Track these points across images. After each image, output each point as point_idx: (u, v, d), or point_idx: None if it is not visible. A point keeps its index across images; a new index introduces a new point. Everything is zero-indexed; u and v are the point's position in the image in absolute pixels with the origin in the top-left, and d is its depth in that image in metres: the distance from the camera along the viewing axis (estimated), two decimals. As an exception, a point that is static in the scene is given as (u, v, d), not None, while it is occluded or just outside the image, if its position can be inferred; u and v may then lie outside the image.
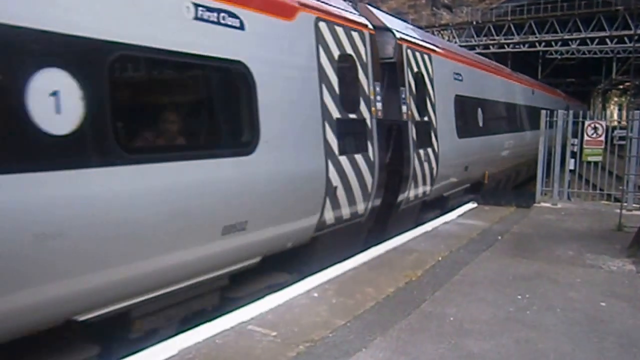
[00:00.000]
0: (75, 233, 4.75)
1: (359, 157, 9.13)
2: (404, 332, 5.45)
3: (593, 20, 43.10)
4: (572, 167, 14.72)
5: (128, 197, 5.24)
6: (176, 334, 5.32)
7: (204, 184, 6.13)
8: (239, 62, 6.70)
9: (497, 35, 46.65)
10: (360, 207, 9.35)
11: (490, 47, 46.74)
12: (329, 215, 8.49)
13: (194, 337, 5.19)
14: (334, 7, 9.15)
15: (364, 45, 9.63)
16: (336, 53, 8.75)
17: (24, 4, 4.49)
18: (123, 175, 5.19)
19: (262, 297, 6.39)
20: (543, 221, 11.58)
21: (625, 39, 42.72)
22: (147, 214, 5.43)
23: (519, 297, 6.61)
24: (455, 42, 41.89)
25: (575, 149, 14.31)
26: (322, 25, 8.48)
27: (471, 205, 13.64)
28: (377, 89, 9.95)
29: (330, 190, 8.39)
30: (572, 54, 48.79)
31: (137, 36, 5.42)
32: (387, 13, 12.67)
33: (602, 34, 43.24)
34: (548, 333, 5.53)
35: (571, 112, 14.81)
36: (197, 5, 6.07)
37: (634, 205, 12.79)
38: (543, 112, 14.47)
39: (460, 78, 14.92)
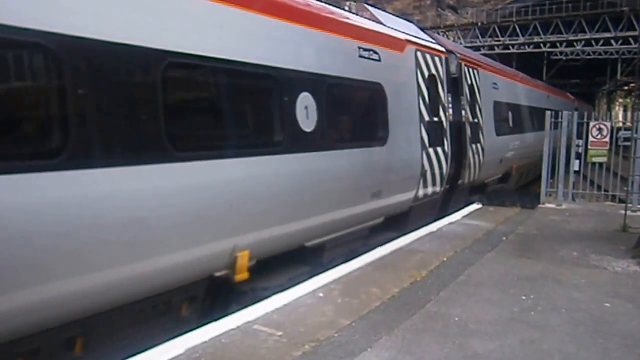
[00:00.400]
0: (325, 188, 8.52)
1: (439, 150, 12.48)
2: (409, 332, 5.47)
3: (598, 21, 42.97)
4: (576, 168, 14.72)
5: (335, 170, 8.73)
6: (183, 333, 5.33)
7: (366, 163, 9.59)
8: (379, 83, 10.11)
9: (502, 36, 46.56)
10: (438, 188, 12.70)
11: (495, 47, 46.65)
12: (421, 192, 11.79)
13: (200, 336, 5.22)
14: (424, 39, 12.95)
15: (441, 66, 13.03)
16: (426, 73, 12.11)
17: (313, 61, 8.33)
18: (332, 156, 8.63)
19: (268, 296, 6.41)
20: (548, 222, 11.58)
21: (631, 39, 42.54)
22: (345, 183, 8.97)
23: (524, 297, 6.62)
24: (460, 43, 41.79)
25: (580, 149, 14.32)
26: (419, 54, 11.91)
27: (476, 206, 13.65)
28: (449, 98, 13.33)
29: (423, 173, 11.73)
30: (577, 54, 48.68)
31: (342, 72, 9.03)
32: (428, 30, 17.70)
33: (607, 35, 43.11)
34: (553, 333, 5.54)
35: (576, 113, 14.81)
36: (359, 47, 9.62)
37: (639, 206, 12.76)
38: (547, 112, 14.51)
39: (496, 87, 18.08)
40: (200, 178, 6.10)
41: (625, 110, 77.63)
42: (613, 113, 65.57)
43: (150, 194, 5.52)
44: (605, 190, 15.32)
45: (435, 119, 12.30)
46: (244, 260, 6.76)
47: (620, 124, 36.85)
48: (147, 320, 5.97)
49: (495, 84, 17.93)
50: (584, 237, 10.09)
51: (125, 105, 5.39)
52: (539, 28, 45.32)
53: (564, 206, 13.54)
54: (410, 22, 14.40)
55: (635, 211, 12.19)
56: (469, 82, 14.93)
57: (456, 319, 5.88)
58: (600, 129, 13.36)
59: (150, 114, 5.60)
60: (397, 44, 11.07)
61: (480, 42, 46.95)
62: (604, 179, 15.26)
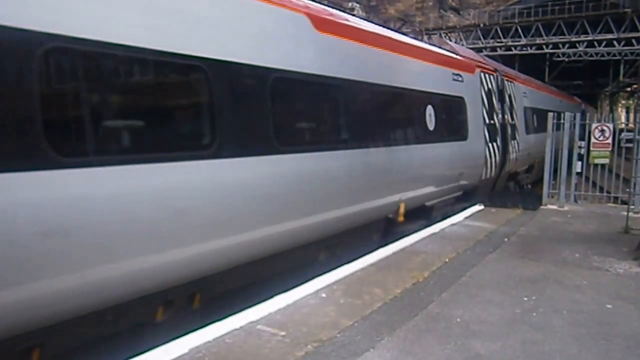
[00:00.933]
0: (439, 168, 12.56)
1: (494, 144, 16.18)
2: (411, 333, 5.49)
3: (601, 22, 42.95)
4: (579, 170, 14.74)
5: (444, 156, 12.67)
6: (186, 333, 5.36)
7: (457, 153, 13.29)
8: (462, 97, 13.97)
9: (504, 38, 46.53)
10: (493, 172, 16.44)
11: (498, 49, 46.62)
12: (484, 175, 15.50)
13: (204, 336, 5.23)
14: (484, 62, 17.58)
15: (494, 82, 17.11)
16: (486, 88, 16.09)
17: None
18: (443, 147, 12.57)
19: (271, 297, 6.44)
20: (550, 223, 11.60)
21: (633, 41, 42.51)
22: (448, 165, 12.99)
23: (526, 298, 6.63)
24: (463, 44, 41.83)
25: (583, 151, 14.32)
26: (481, 74, 15.94)
27: (478, 208, 13.67)
28: (498, 105, 17.03)
29: (485, 162, 15.43)
30: (580, 56, 48.57)
31: (446, 90, 13.05)
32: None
33: (610, 36, 43.07)
34: (554, 335, 5.55)
35: (578, 114, 14.83)
36: (453, 74, 13.69)
37: (641, 207, 12.77)
38: (550, 114, 14.54)
39: (525, 95, 22.19)
40: (390, 159, 10.31)
41: (627, 112, 77.50)
42: (615, 115, 65.50)
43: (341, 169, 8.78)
44: (607, 192, 15.33)
45: (491, 121, 16.16)
46: (402, 209, 10.81)
47: (623, 126, 36.81)
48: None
49: (524, 93, 22.16)
50: (586, 238, 10.10)
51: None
52: (542, 29, 45.29)
53: (566, 208, 13.55)
54: (469, 49, 20.21)
55: (637, 213, 12.20)
56: (508, 92, 18.99)
57: (458, 319, 5.89)
58: (602, 131, 13.37)
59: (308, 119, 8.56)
60: (470, 68, 15.38)
61: (482, 43, 46.94)
62: (606, 181, 15.26)
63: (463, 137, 13.90)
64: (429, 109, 11.82)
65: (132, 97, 5.74)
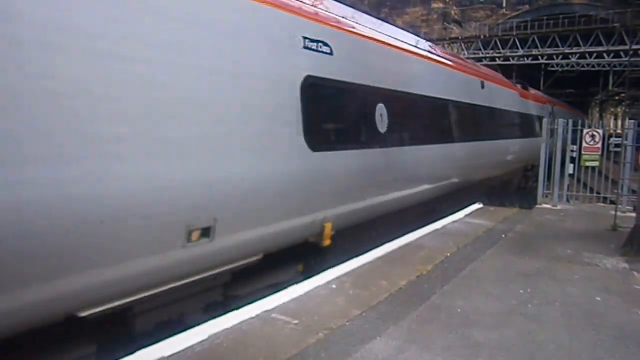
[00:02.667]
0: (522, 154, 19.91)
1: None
2: (415, 323, 5.46)
3: (592, 35, 42.66)
4: (571, 172, 14.67)
5: (529, 146, 20.32)
6: (205, 321, 5.34)
7: (533, 147, 18.60)
8: (542, 116, 20.47)
9: (503, 49, 46.20)
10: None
11: (496, 59, 46.37)
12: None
13: (222, 323, 5.22)
14: (544, 96, 28.46)
15: (549, 109, 25.65)
16: (549, 111, 25.05)
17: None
18: (530, 141, 20.53)
19: (271, 293, 6.36)
20: (544, 221, 11.52)
21: (621, 53, 42.15)
22: (528, 153, 20.17)
23: (522, 291, 6.59)
24: (464, 54, 41.70)
25: (574, 154, 14.25)
26: (547, 103, 25.92)
27: (477, 206, 13.61)
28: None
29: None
30: (572, 66, 48.33)
31: (538, 113, 23.30)
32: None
33: (600, 48, 42.75)
34: (548, 325, 5.51)
35: (571, 120, 14.76)
36: (539, 106, 24.14)
37: (628, 207, 12.68)
38: (545, 120, 14.48)
39: (556, 112, 28.62)
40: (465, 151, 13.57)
41: (616, 119, 76.96)
42: (604, 121, 65.16)
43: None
44: (597, 193, 15.24)
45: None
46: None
47: (612, 131, 36.67)
48: None
49: (556, 111, 29.32)
50: (577, 235, 10.04)
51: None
52: (537, 41, 44.99)
53: (559, 207, 13.48)
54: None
55: (624, 212, 12.09)
56: (550, 110, 26.72)
57: (459, 310, 5.86)
58: (593, 136, 13.32)
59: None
60: (543, 100, 25.49)
61: (482, 53, 46.63)
62: (596, 182, 15.17)
63: (538, 135, 19.08)
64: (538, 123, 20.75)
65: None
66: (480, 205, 13.70)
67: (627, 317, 5.87)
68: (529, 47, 45.40)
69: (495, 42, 46.56)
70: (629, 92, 45.87)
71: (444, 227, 10.65)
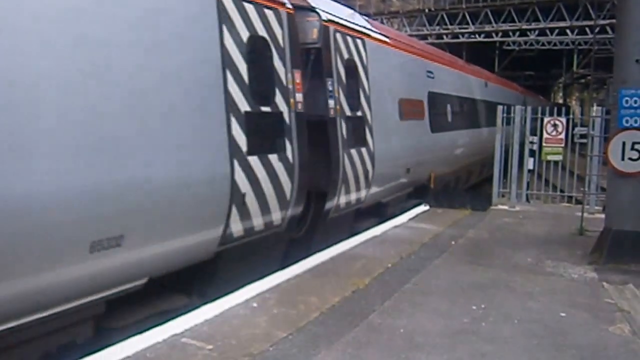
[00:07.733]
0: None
1: None
2: (351, 346, 5.47)
3: (553, 9, 43.46)
4: (531, 167, 14.95)
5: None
6: (104, 348, 5.23)
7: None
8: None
9: (451, 25, 46.81)
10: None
11: (444, 37, 47.00)
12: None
13: (122, 350, 5.11)
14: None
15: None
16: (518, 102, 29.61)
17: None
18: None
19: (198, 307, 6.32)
20: (500, 225, 11.76)
21: (587, 29, 43.31)
22: None
23: (474, 307, 6.69)
24: (406, 32, 42.11)
25: (535, 147, 14.52)
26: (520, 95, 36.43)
27: (423, 208, 13.69)
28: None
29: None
30: (531, 44, 49.40)
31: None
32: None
33: (562, 24, 43.67)
34: (505, 346, 5.60)
35: (529, 107, 14.99)
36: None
37: (596, 207, 13.00)
38: (499, 107, 14.66)
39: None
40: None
41: (582, 105, 79.21)
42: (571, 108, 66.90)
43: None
44: (561, 191, 15.65)
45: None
46: None
47: (578, 120, 37.80)
48: None
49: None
50: (538, 241, 10.26)
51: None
52: (491, 16, 45.70)
53: (517, 208, 13.76)
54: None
55: (592, 213, 12.42)
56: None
57: (402, 331, 5.90)
58: (555, 125, 13.51)
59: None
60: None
61: (427, 30, 47.13)
62: (560, 179, 15.54)
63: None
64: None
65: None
66: (427, 207, 13.79)
67: (596, 336, 6.01)
68: (481, 23, 46.08)
69: (442, 17, 47.09)
70: (595, 74, 47.15)
71: (384, 233, 10.72)
